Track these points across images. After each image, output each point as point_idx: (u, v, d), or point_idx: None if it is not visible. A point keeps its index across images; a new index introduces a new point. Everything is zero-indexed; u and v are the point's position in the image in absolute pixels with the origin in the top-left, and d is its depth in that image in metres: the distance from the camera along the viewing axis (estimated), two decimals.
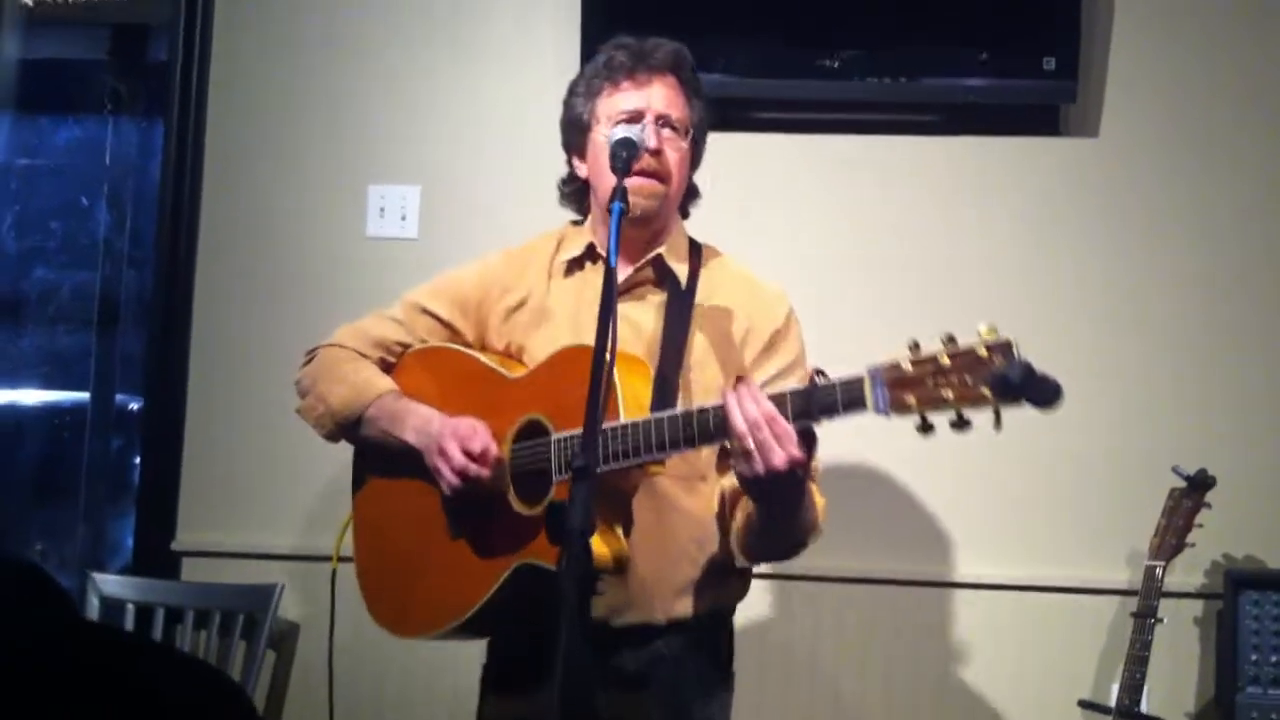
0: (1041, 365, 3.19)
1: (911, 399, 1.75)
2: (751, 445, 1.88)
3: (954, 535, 3.30)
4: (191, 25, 3.63)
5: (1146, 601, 2.90)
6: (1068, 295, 3.32)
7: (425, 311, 2.41)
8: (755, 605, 3.18)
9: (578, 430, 1.88)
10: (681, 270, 2.31)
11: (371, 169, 3.56)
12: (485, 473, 2.14)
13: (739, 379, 1.98)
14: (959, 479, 3.29)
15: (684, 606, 2.23)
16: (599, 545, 1.95)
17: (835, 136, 3.43)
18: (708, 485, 2.24)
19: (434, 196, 3.53)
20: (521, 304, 2.36)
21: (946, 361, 1.74)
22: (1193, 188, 3.31)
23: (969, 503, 3.30)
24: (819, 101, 3.39)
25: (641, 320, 2.28)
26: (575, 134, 2.36)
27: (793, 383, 2.15)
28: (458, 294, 2.41)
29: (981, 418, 1.73)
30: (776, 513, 2.08)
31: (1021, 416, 3.21)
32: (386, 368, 2.40)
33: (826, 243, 3.39)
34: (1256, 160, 3.30)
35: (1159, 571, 2.91)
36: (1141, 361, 3.29)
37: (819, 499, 2.19)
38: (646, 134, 2.20)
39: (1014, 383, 1.70)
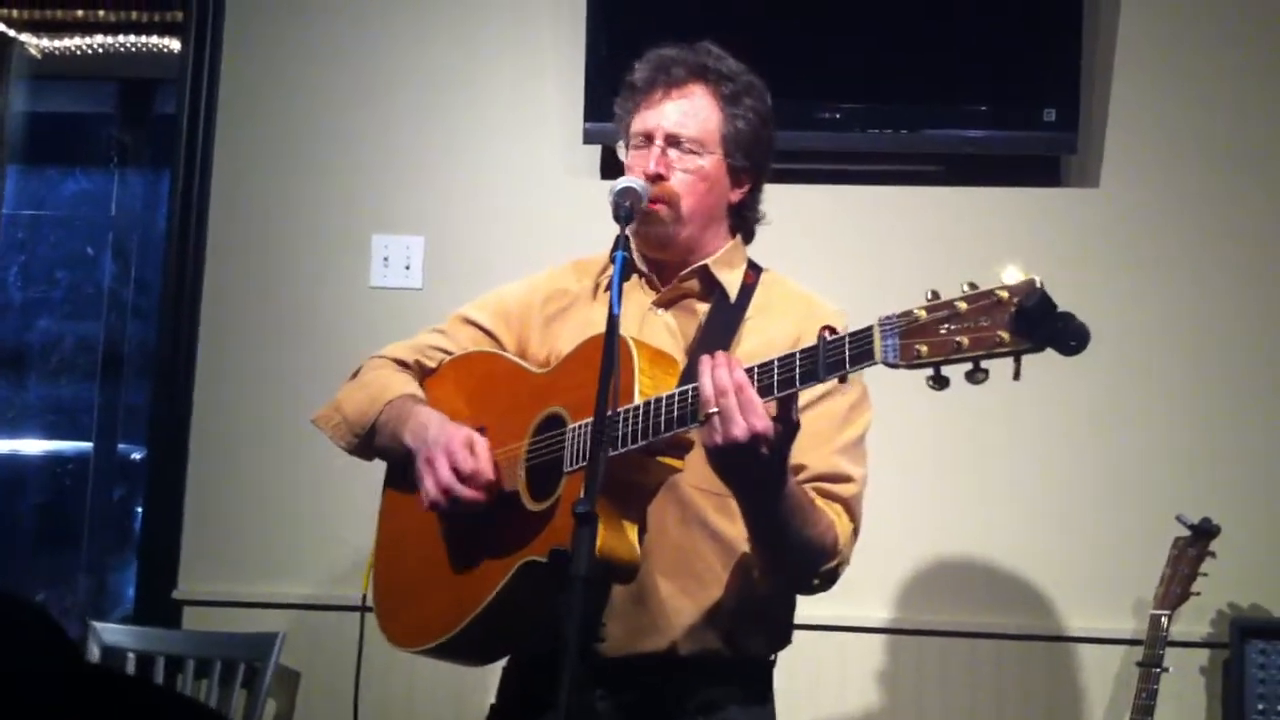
0: (1046, 415, 3.26)
1: (924, 347, 1.63)
2: (714, 410, 1.79)
3: (958, 585, 3.29)
4: (198, 79, 3.67)
5: (1152, 651, 2.88)
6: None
7: (468, 321, 2.36)
8: None
9: (591, 419, 1.84)
10: (731, 281, 2.22)
11: (375, 219, 3.58)
12: (471, 495, 2.04)
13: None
14: (963, 528, 3.29)
15: (712, 640, 2.06)
16: (603, 540, 1.81)
17: (836, 187, 3.45)
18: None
19: (438, 247, 3.55)
20: (563, 313, 2.28)
21: (963, 306, 1.63)
22: (1192, 238, 3.33)
23: (972, 552, 3.29)
24: (820, 153, 3.41)
25: (681, 328, 2.20)
26: (620, 145, 2.31)
27: (839, 399, 2.10)
28: (501, 304, 2.36)
29: (1001, 369, 1.60)
30: (755, 503, 1.95)
31: (1026, 458, 3.26)
32: (425, 374, 2.33)
33: (826, 294, 3.39)
34: (1256, 211, 3.33)
35: (1164, 620, 2.90)
36: (1144, 410, 3.29)
37: (839, 521, 2.07)
38: (650, 158, 2.15)
39: (1033, 320, 1.56)
